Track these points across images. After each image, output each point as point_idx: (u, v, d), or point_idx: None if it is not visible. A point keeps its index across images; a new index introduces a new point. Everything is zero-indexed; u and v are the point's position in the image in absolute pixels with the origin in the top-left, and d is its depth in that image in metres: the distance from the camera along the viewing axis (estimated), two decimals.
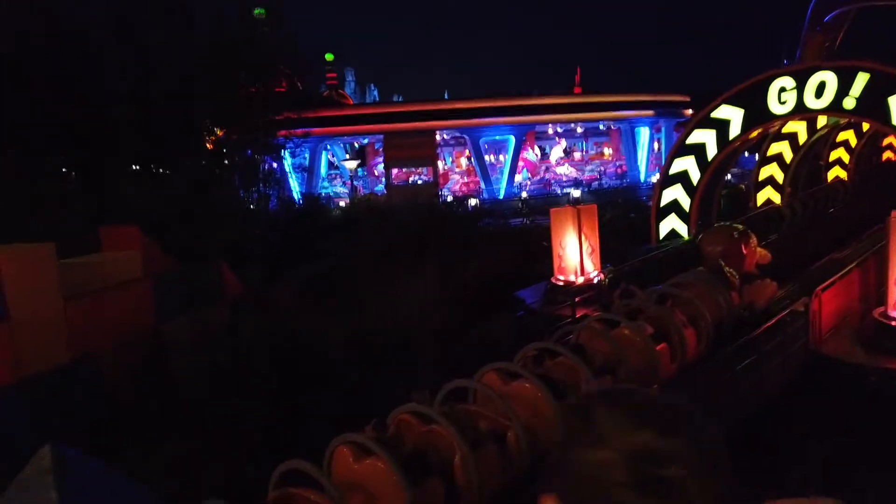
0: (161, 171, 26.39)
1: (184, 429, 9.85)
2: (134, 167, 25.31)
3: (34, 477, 2.47)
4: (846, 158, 30.85)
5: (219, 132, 29.63)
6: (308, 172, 44.64)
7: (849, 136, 30.14)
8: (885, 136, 35.16)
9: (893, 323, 11.82)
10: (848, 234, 22.63)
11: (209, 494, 6.13)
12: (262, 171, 29.97)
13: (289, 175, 42.95)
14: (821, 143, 27.78)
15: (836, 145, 30.01)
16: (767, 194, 26.17)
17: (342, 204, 41.32)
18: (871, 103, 16.80)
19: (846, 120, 25.27)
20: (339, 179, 54.80)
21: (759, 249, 13.80)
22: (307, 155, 44.51)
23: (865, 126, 29.04)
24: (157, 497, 3.59)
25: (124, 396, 11.63)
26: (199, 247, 17.18)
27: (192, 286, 14.54)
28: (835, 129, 27.40)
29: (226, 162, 29.39)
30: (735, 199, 27.85)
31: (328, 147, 50.99)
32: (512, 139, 46.98)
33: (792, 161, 25.84)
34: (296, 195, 40.96)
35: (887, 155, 36.76)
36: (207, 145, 29.64)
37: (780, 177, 25.99)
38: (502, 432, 7.69)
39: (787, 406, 10.41)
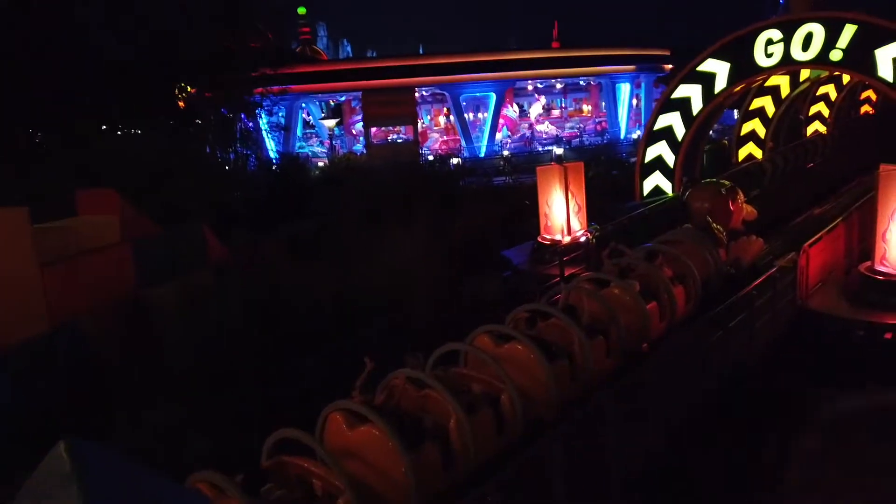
0: (133, 131, 25.59)
1: (171, 396, 9.69)
2: (104, 127, 24.49)
3: (52, 481, 2.07)
4: (826, 113, 30.87)
5: (191, 90, 28.70)
6: (285, 131, 43.69)
7: (829, 89, 30.08)
8: (864, 89, 35.34)
9: (879, 277, 11.91)
10: (828, 189, 22.80)
11: (199, 463, 5.98)
12: (238, 130, 29.21)
13: (264, 134, 42.02)
14: (801, 98, 27.69)
15: (816, 99, 29.97)
16: (749, 149, 26.15)
17: (321, 164, 40.58)
18: (859, 56, 16.63)
19: (827, 73, 25.18)
20: (315, 139, 53.76)
21: (745, 206, 13.75)
22: (283, 113, 43.53)
23: (845, 79, 29.06)
24: (189, 492, 3.36)
25: (108, 365, 11.40)
26: (179, 209, 16.76)
27: (174, 251, 14.19)
28: (815, 83, 27.29)
29: (198, 121, 28.56)
30: (718, 155, 27.75)
31: (304, 105, 49.83)
32: (493, 96, 46.26)
33: (774, 115, 25.78)
34: (272, 155, 40.14)
35: (865, 108, 36.88)
36: (180, 104, 28.75)
37: (762, 132, 25.96)
38: (496, 395, 7.63)
39: (777, 360, 10.52)
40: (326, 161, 41.65)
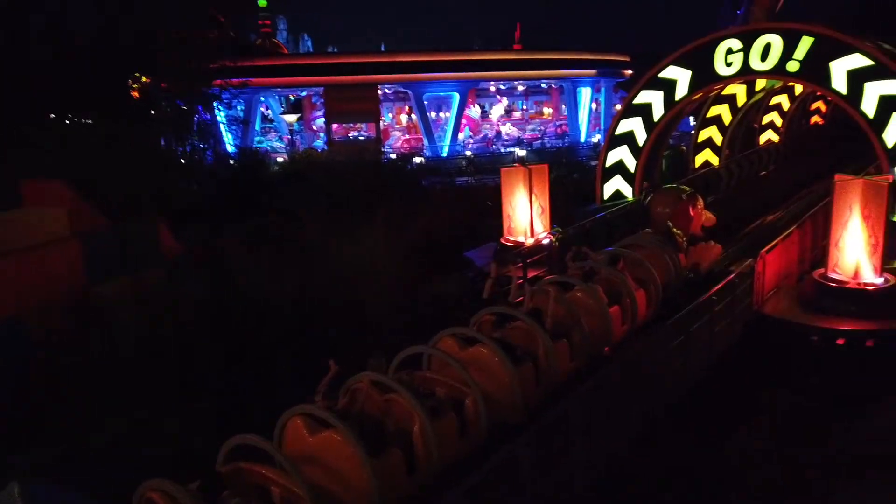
0: (83, 121, 24.62)
1: (123, 398, 9.29)
2: (52, 116, 23.50)
3: None
4: (779, 122, 31.73)
5: (144, 80, 27.79)
6: (243, 125, 42.79)
7: (782, 99, 30.93)
8: (814, 100, 36.50)
9: (832, 284, 12.22)
10: (780, 197, 23.42)
11: (153, 471, 5.70)
12: (195, 122, 28.43)
13: (222, 128, 41.08)
14: (755, 107, 28.40)
15: (769, 109, 30.77)
16: (706, 156, 26.66)
17: (280, 159, 39.87)
18: (814, 67, 17.08)
19: (781, 84, 25.88)
20: (273, 133, 52.86)
21: (704, 212, 13.96)
22: (241, 107, 42.64)
23: (798, 90, 29.96)
24: None
25: (54, 362, 10.88)
26: (131, 203, 16.15)
27: (126, 245, 13.65)
28: (769, 92, 28.03)
29: (152, 112, 27.66)
30: (676, 161, 28.29)
31: (262, 99, 48.93)
32: (456, 96, 46.26)
33: (731, 123, 26.35)
34: (230, 149, 39.26)
35: (815, 119, 38.11)
36: (133, 93, 27.82)
37: (718, 139, 26.50)
38: (460, 399, 7.51)
39: (734, 365, 10.70)
40: (286, 156, 40.96)
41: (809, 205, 20.07)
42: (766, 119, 31.09)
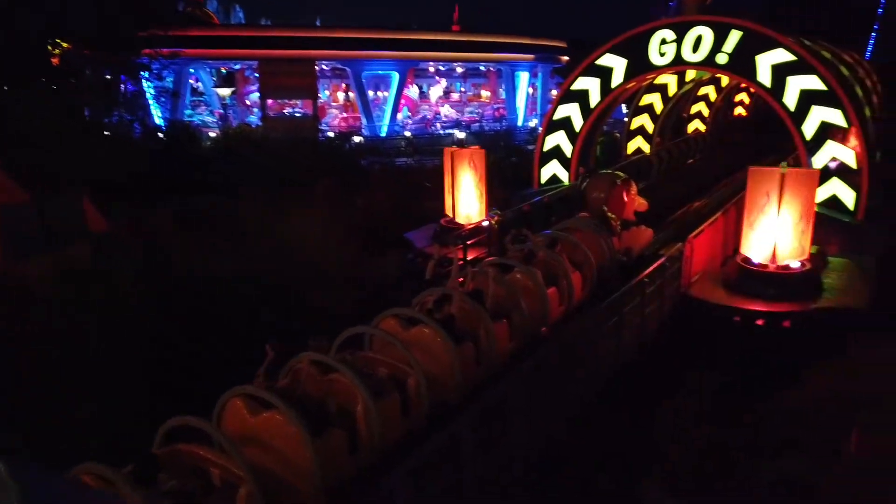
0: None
1: (49, 381, 8.89)
2: None
3: None
4: (706, 112, 32.96)
5: (65, 45, 26.15)
6: (173, 98, 41.03)
7: (709, 90, 32.14)
8: (738, 92, 38.08)
9: (752, 267, 12.90)
10: (706, 185, 24.41)
11: (85, 456, 5.51)
12: (122, 93, 27.03)
13: (150, 99, 39.28)
14: (684, 97, 29.37)
15: (697, 99, 31.91)
16: (638, 143, 27.40)
17: (212, 134, 38.54)
18: (742, 60, 17.72)
19: (709, 75, 26.84)
20: (204, 107, 51.00)
21: (637, 197, 14.43)
22: (171, 79, 40.84)
23: (724, 82, 31.17)
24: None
25: None
26: (52, 176, 15.24)
27: (48, 221, 12.95)
28: (698, 83, 29.04)
29: (72, 80, 26.06)
30: (610, 147, 28.97)
31: (192, 71, 47.03)
32: (396, 75, 45.77)
33: (662, 112, 27.16)
34: (159, 122, 37.62)
35: (738, 110, 39.82)
36: (54, 60, 26.18)
37: (650, 127, 27.27)
38: (403, 379, 7.58)
39: (663, 345, 11.17)
40: (218, 131, 39.62)
41: (733, 192, 21.05)
42: (694, 109, 32.24)
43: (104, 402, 8.78)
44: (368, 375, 7.35)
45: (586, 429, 8.94)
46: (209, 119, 47.54)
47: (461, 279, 10.09)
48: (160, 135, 30.46)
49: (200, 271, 12.48)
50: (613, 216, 13.37)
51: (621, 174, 14.47)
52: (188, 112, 47.04)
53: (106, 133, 25.81)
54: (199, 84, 51.21)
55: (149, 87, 36.92)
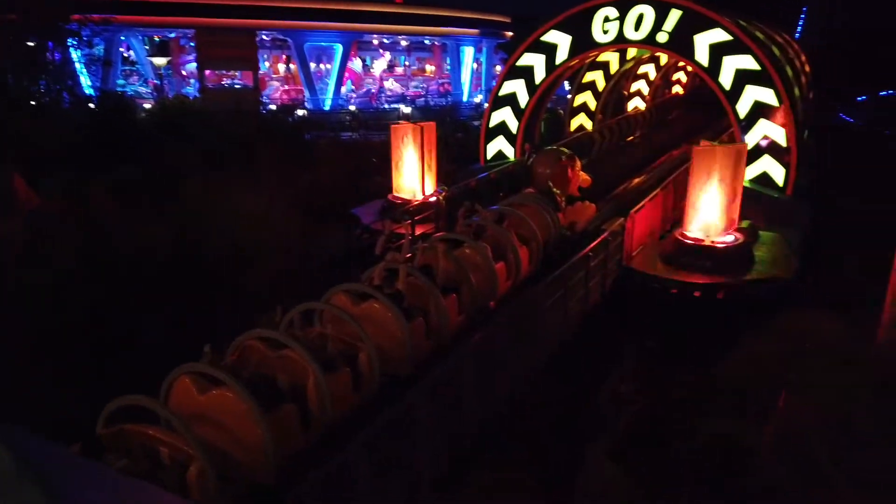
0: None
1: None
2: None
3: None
4: (646, 90, 33.68)
5: None
6: (104, 67, 39.09)
7: (649, 69, 32.82)
8: (676, 71, 39.00)
9: (689, 242, 13.40)
10: (645, 161, 25.08)
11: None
12: (49, 61, 25.60)
13: (79, 68, 37.32)
14: (625, 75, 29.92)
15: (637, 77, 32.55)
16: (581, 120, 27.82)
17: (147, 106, 36.99)
18: (681, 39, 18.14)
19: (648, 53, 27.40)
20: (136, 77, 48.81)
21: (581, 173, 14.76)
22: (101, 47, 38.89)
23: (663, 60, 31.87)
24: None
25: None
26: None
27: None
28: (638, 61, 29.62)
29: None
30: (553, 124, 29.28)
31: (123, 39, 44.85)
32: (339, 47, 44.80)
33: (604, 90, 27.62)
34: (88, 92, 35.81)
35: (675, 89, 40.84)
36: None
37: (592, 104, 27.72)
38: (353, 354, 7.64)
39: (605, 316, 11.55)
40: (153, 102, 38.06)
41: (671, 169, 21.71)
42: (634, 87, 32.88)
43: (40, 384, 8.51)
44: (319, 350, 7.37)
45: (534, 398, 9.21)
46: (143, 90, 45.58)
47: (409, 254, 10.16)
48: (91, 105, 29.02)
49: (138, 247, 12.10)
50: (558, 192, 13.65)
51: (566, 151, 14.75)
52: (120, 82, 44.99)
53: (32, 103, 24.47)
54: (132, 53, 48.96)
55: (77, 55, 35.13)
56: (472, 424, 8.10)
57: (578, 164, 14.45)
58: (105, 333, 9.94)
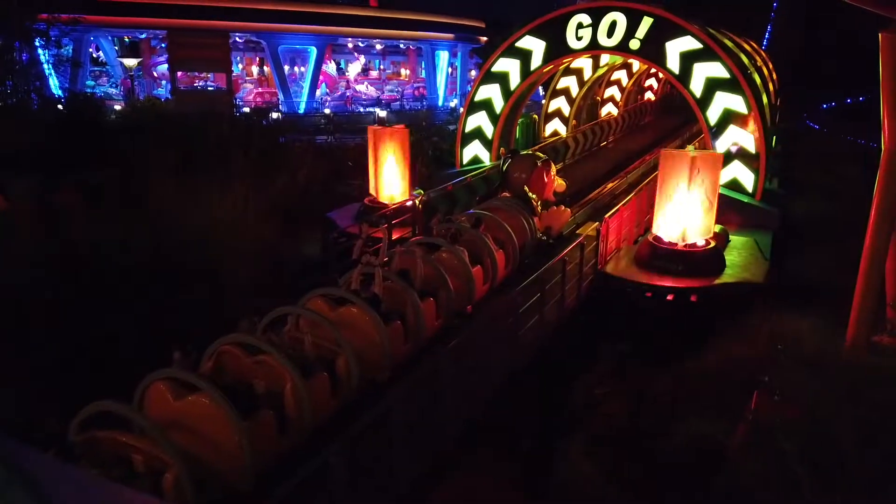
0: None
1: None
2: None
3: None
4: (618, 97, 34.14)
5: None
6: (73, 67, 38.34)
7: (622, 75, 33.27)
8: (647, 78, 39.57)
9: (662, 246, 13.56)
10: (618, 166, 25.39)
11: None
12: (16, 62, 25.02)
13: (47, 68, 36.56)
14: (598, 81, 30.27)
15: (610, 83, 32.97)
16: (555, 126, 28.07)
17: (117, 107, 36.36)
18: (653, 46, 18.43)
19: (621, 60, 27.76)
20: (105, 78, 48.01)
21: (556, 178, 14.87)
22: (69, 48, 38.13)
23: (636, 67, 32.30)
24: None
25: None
26: None
27: None
28: (611, 68, 29.98)
29: None
30: (528, 129, 29.48)
31: (93, 40, 44.06)
32: (314, 50, 44.59)
33: (577, 96, 27.90)
34: (56, 92, 35.09)
35: (647, 95, 41.46)
36: None
37: (566, 110, 27.98)
38: (331, 358, 7.60)
39: (580, 319, 11.66)
40: (124, 104, 37.41)
41: (644, 174, 22.02)
42: (607, 93, 33.30)
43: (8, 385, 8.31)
44: (296, 355, 7.33)
45: (511, 399, 9.25)
46: (112, 91, 44.83)
47: (386, 258, 10.14)
48: (59, 107, 28.43)
49: (106, 252, 11.84)
50: (534, 196, 13.75)
51: (541, 155, 14.86)
52: (90, 83, 44.21)
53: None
54: (101, 54, 48.15)
55: (45, 55, 34.44)
56: (450, 427, 8.11)
57: (553, 168, 14.57)
58: (71, 337, 9.73)
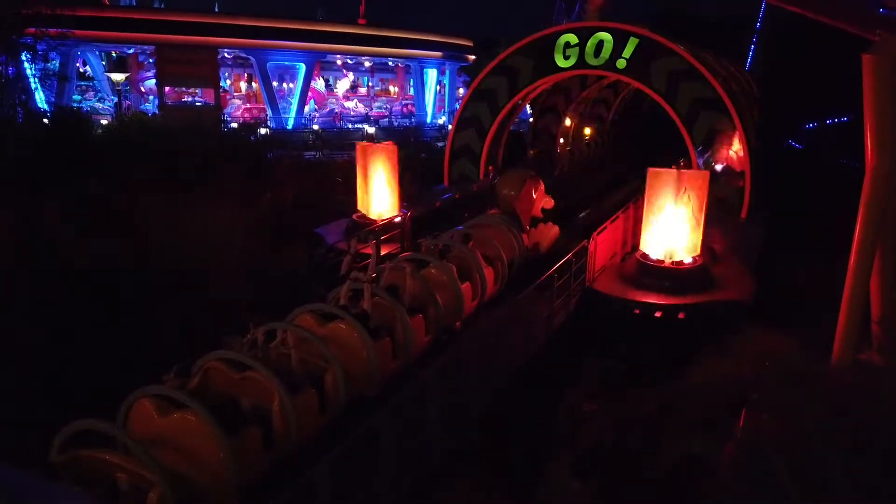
0: None
1: None
2: None
3: None
4: (605, 115, 34.49)
5: None
6: (60, 81, 38.12)
7: (607, 94, 33.61)
8: (634, 97, 39.89)
9: (650, 263, 13.62)
10: (604, 184, 25.58)
11: None
12: (1, 75, 24.85)
13: (32, 83, 36.31)
14: (585, 99, 30.50)
15: (597, 102, 33.29)
16: (542, 143, 28.27)
17: (104, 122, 36.13)
18: (639, 66, 18.68)
19: (609, 80, 28.05)
20: (92, 93, 47.78)
21: (545, 195, 14.94)
22: (56, 62, 37.93)
23: (623, 86, 32.64)
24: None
25: None
26: None
27: None
28: (599, 86, 30.27)
29: None
30: (516, 146, 29.63)
31: (80, 54, 43.89)
32: (302, 66, 44.66)
33: (565, 113, 28.16)
34: (42, 107, 34.83)
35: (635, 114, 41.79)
36: None
37: (554, 127, 28.21)
38: (319, 375, 7.53)
39: (569, 336, 11.65)
40: (111, 119, 37.20)
41: (630, 192, 22.13)
42: (595, 111, 33.61)
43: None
44: (284, 372, 7.25)
45: (499, 416, 9.19)
46: (99, 105, 44.61)
47: (374, 274, 10.09)
48: (45, 121, 28.18)
49: (94, 266, 11.68)
50: (523, 213, 13.80)
51: (530, 172, 14.93)
52: (76, 97, 43.98)
53: None
54: (88, 68, 47.98)
55: (31, 69, 34.23)
56: (437, 443, 8.05)
57: (542, 185, 14.64)
58: (54, 351, 9.57)
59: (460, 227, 12.46)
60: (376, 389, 8.06)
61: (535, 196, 14.16)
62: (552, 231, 14.52)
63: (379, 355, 8.11)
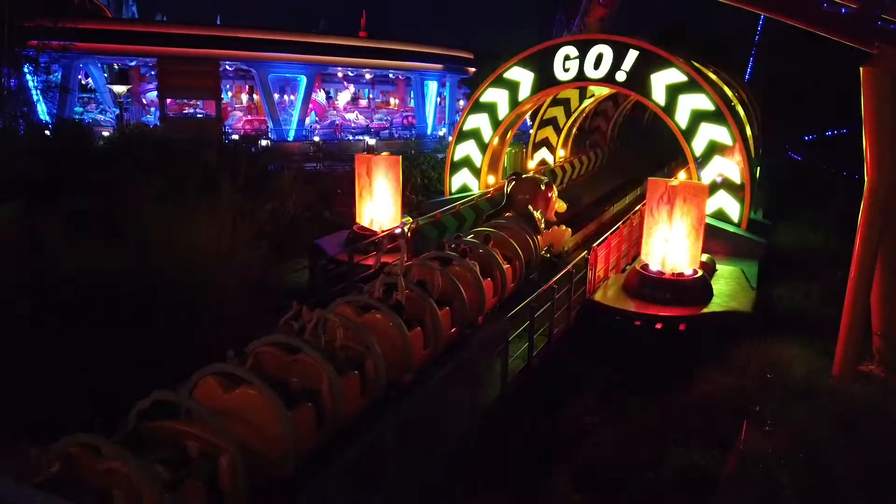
0: None
1: None
2: None
3: None
4: (605, 126, 35.22)
5: None
6: (62, 93, 38.47)
7: (608, 105, 34.34)
8: (634, 108, 40.59)
9: (651, 275, 13.76)
10: (606, 194, 26.02)
11: None
12: (4, 87, 25.08)
13: (35, 94, 36.65)
14: (585, 111, 31.16)
15: (597, 113, 34.02)
16: (542, 155, 28.80)
17: (106, 134, 36.46)
18: (638, 78, 18.95)
19: (609, 91, 28.69)
20: (93, 105, 48.18)
21: (557, 199, 15.54)
22: (58, 74, 38.32)
23: (621, 98, 33.26)
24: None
25: None
26: None
27: None
28: (598, 99, 30.98)
29: None
30: (516, 158, 30.15)
31: (82, 66, 44.32)
32: (304, 79, 45.19)
33: (565, 125, 28.70)
34: (44, 118, 35.17)
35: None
36: None
37: (554, 138, 28.77)
38: (360, 361, 8.01)
39: (570, 345, 11.97)
40: (112, 130, 37.57)
41: (630, 204, 22.59)
42: (594, 123, 34.33)
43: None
44: (331, 357, 7.73)
45: (500, 427, 9.31)
46: (101, 117, 44.98)
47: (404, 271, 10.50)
48: (47, 133, 28.35)
49: (89, 280, 11.41)
50: (538, 216, 14.38)
51: (544, 178, 15.50)
52: (78, 109, 44.34)
53: None
54: (90, 80, 48.39)
55: (33, 81, 34.59)
56: (453, 429, 8.45)
57: (555, 190, 15.28)
58: (56, 362, 9.65)
59: (480, 228, 12.94)
60: (411, 374, 8.56)
61: (549, 200, 14.77)
62: (565, 233, 15.13)
63: (412, 343, 8.61)
